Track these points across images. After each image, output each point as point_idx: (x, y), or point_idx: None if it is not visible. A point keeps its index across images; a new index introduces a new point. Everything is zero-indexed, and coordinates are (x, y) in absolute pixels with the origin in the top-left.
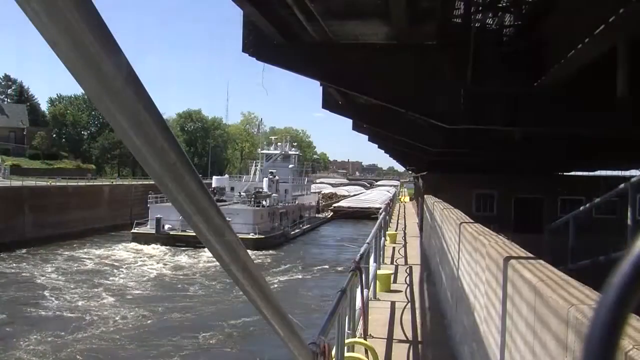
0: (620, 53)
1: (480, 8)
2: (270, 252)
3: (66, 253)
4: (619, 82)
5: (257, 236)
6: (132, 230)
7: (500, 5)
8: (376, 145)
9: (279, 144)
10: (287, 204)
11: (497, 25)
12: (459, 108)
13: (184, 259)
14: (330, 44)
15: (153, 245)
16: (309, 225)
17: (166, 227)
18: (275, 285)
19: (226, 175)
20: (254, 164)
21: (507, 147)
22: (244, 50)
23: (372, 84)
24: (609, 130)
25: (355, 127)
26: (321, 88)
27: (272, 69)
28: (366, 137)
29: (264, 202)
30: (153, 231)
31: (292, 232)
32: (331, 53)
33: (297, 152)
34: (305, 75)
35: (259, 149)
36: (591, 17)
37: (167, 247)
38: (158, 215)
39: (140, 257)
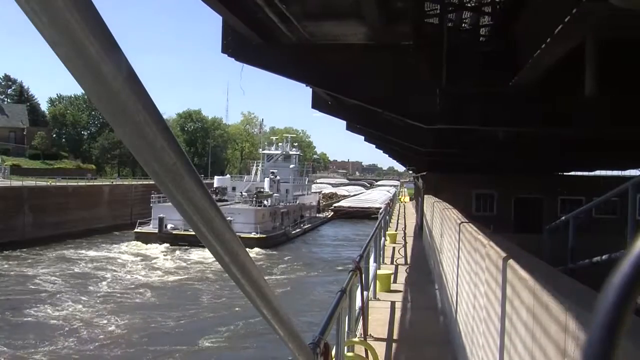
0: (588, 52)
1: (450, 8)
2: (272, 251)
3: (67, 253)
4: (587, 81)
5: (258, 235)
6: (135, 230)
7: (470, 5)
8: (374, 145)
9: (279, 144)
10: (288, 204)
11: (471, 25)
12: (435, 108)
13: (186, 258)
14: (308, 45)
15: (156, 245)
16: (309, 225)
17: (169, 226)
18: (276, 284)
19: (228, 175)
20: (255, 164)
21: (494, 147)
22: (223, 51)
23: (350, 84)
24: (578, 130)
25: (349, 127)
26: (310, 88)
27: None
28: (362, 137)
29: (265, 202)
30: (156, 230)
31: (293, 232)
32: (310, 53)
33: (297, 152)
34: (284, 76)
35: (260, 149)
36: (552, 16)
37: (170, 246)
38: (161, 215)
39: (143, 257)
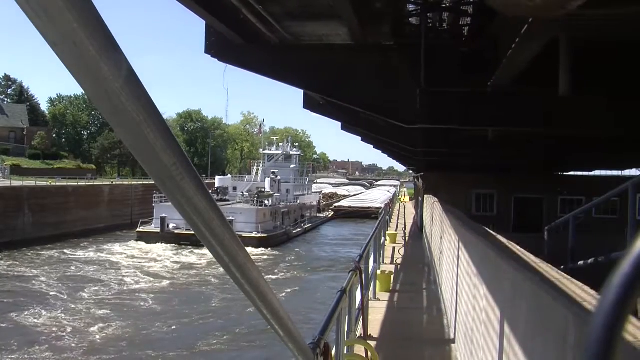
0: (562, 53)
1: (420, 9)
2: (273, 250)
3: (68, 253)
4: (561, 81)
5: (260, 235)
6: (137, 229)
7: (445, 5)
8: (371, 146)
9: (280, 144)
10: (289, 204)
11: (449, 25)
12: (415, 108)
13: (188, 257)
14: (290, 45)
15: (158, 244)
16: (310, 225)
17: (171, 226)
18: (277, 284)
19: (229, 175)
20: (256, 164)
21: (483, 146)
22: (206, 51)
23: (330, 84)
24: (555, 129)
25: (344, 128)
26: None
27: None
28: (359, 137)
29: (266, 202)
30: (158, 230)
31: (294, 231)
32: (292, 54)
33: (298, 153)
34: (267, 76)
35: (261, 149)
36: (518, 17)
37: (172, 245)
38: (163, 215)
39: (145, 256)
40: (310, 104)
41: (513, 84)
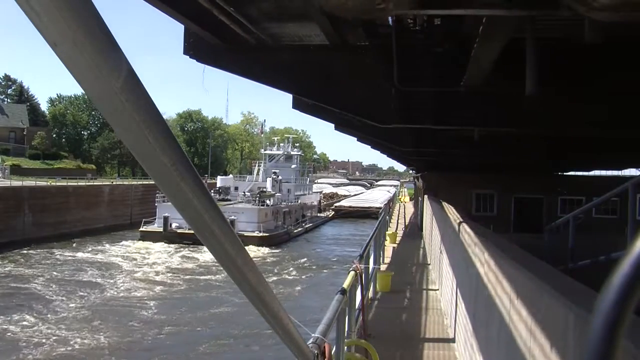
0: (528, 52)
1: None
2: (274, 250)
3: (68, 253)
4: (528, 81)
5: (261, 234)
6: (140, 229)
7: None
8: (369, 146)
9: (281, 144)
10: (290, 203)
11: (419, 25)
12: (390, 108)
13: (191, 256)
14: (268, 47)
15: (161, 243)
16: (311, 224)
17: (174, 225)
18: (278, 283)
19: (230, 175)
20: (257, 164)
21: (471, 147)
22: (185, 52)
23: (306, 84)
24: (519, 129)
25: (337, 128)
26: None
27: None
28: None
29: (267, 202)
30: (161, 229)
31: (295, 231)
32: (270, 55)
33: (299, 153)
34: (245, 77)
35: (262, 150)
36: (478, 17)
37: (175, 244)
38: (165, 214)
39: (147, 255)
40: (299, 105)
41: (485, 84)
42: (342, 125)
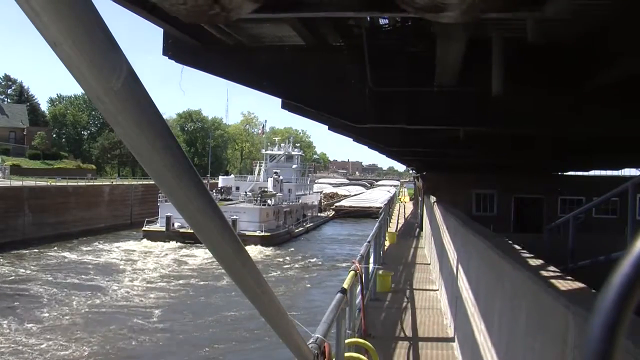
0: (495, 52)
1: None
2: (275, 249)
3: (69, 253)
4: (494, 81)
5: (263, 234)
6: (143, 228)
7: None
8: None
9: (282, 144)
10: (291, 203)
11: (391, 25)
12: (364, 107)
13: (194, 255)
14: (246, 47)
15: (163, 243)
16: (312, 224)
17: (176, 224)
18: (279, 282)
19: (232, 175)
20: (258, 164)
21: (456, 146)
22: (164, 53)
23: (284, 85)
24: (486, 129)
25: (331, 128)
26: None
27: None
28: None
29: (269, 201)
30: (163, 229)
31: (296, 230)
32: (247, 56)
33: (300, 153)
34: (223, 78)
35: (263, 150)
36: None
37: (178, 244)
38: (168, 214)
39: (151, 255)
40: (287, 105)
41: (457, 84)
42: (334, 126)
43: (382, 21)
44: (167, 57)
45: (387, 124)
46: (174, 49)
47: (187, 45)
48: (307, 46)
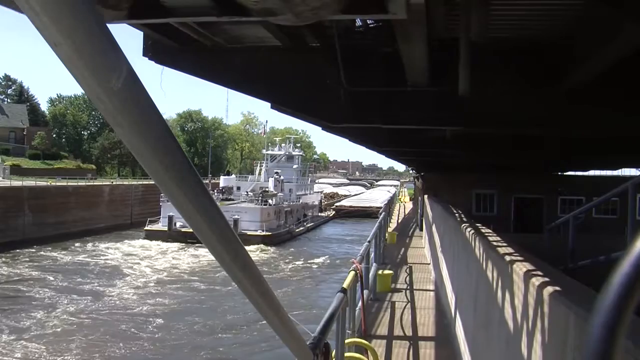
0: (462, 51)
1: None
2: (276, 248)
3: (69, 253)
4: (461, 80)
5: (264, 233)
6: (145, 228)
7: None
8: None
9: (282, 145)
10: (291, 203)
11: (364, 27)
12: (340, 107)
13: (195, 255)
14: (224, 49)
15: (166, 243)
16: (312, 224)
17: (178, 224)
18: (279, 282)
19: (233, 176)
20: (258, 164)
21: (442, 145)
22: (144, 54)
23: (262, 86)
24: (455, 128)
25: (325, 128)
26: None
27: None
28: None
29: (270, 201)
30: (165, 229)
31: (297, 230)
32: (224, 57)
33: (300, 153)
34: (202, 79)
35: (264, 150)
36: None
37: (180, 244)
38: (170, 213)
39: (153, 254)
40: (277, 106)
41: (431, 84)
42: (323, 126)
43: (358, 22)
44: (147, 58)
45: (362, 124)
46: (153, 50)
47: (166, 47)
48: (283, 47)
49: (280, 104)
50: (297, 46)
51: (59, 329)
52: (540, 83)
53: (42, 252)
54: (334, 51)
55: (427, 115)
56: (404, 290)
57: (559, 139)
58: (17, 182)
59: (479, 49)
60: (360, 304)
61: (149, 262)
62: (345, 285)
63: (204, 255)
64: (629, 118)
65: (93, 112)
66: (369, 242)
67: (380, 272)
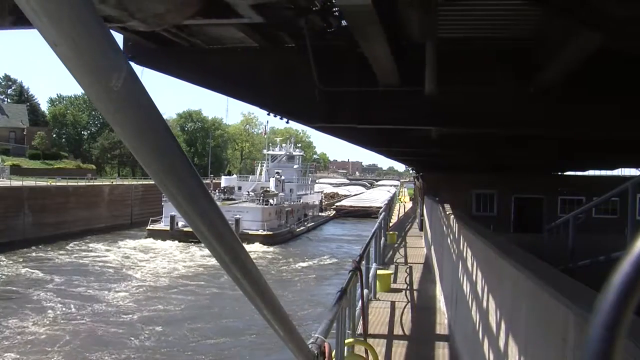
0: (428, 51)
1: (295, 14)
2: (277, 248)
3: (70, 253)
4: (427, 80)
5: (265, 233)
6: (148, 227)
7: (315, 9)
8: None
9: (283, 145)
10: (292, 203)
11: (336, 27)
12: (315, 107)
13: (196, 255)
14: (202, 49)
15: (168, 242)
16: (313, 223)
17: (180, 224)
18: (279, 281)
19: (234, 176)
20: (260, 165)
21: (429, 145)
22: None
23: (239, 87)
24: (422, 128)
25: (319, 129)
26: None
27: None
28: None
29: (271, 201)
30: (167, 228)
31: (298, 230)
32: (202, 58)
33: (301, 153)
34: (181, 80)
35: (264, 150)
36: None
37: (181, 243)
38: (172, 213)
39: (155, 254)
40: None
41: (402, 83)
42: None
43: (333, 22)
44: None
45: (337, 124)
46: (133, 51)
47: (145, 48)
48: (260, 47)
49: (260, 105)
50: (274, 47)
51: (59, 330)
52: (511, 83)
53: (42, 252)
54: (308, 51)
55: (400, 115)
56: (404, 290)
57: (542, 138)
58: (17, 182)
59: (447, 50)
60: (360, 304)
61: (151, 262)
62: (345, 285)
63: (204, 255)
64: (596, 116)
65: (93, 112)
66: (369, 242)
67: (380, 272)
